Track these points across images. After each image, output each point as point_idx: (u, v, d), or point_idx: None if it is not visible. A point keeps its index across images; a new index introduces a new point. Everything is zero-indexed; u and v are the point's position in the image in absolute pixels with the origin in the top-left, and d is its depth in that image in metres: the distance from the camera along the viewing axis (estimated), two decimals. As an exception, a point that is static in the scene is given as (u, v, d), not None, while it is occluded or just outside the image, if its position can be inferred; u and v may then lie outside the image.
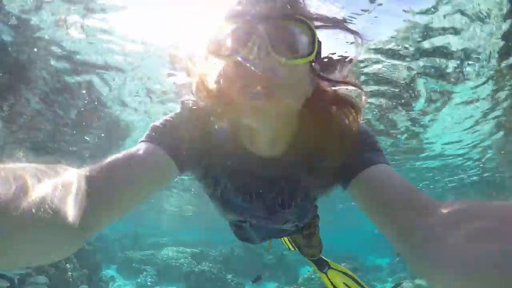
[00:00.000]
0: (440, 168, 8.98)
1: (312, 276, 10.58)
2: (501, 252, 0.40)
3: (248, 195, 1.07)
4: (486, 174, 9.62)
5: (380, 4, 2.84)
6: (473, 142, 6.70)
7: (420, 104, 4.93)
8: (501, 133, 6.14)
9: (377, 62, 3.85)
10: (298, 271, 13.03)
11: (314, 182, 0.95)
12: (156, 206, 17.34)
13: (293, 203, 1.09)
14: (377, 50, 3.64)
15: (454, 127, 5.86)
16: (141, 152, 0.80)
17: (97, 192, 0.64)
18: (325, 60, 0.82)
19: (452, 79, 4.14)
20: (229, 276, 11.22)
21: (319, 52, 0.74)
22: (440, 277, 0.50)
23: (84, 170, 0.68)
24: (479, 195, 11.64)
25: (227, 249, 13.55)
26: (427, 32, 3.26)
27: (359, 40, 0.78)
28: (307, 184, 1.01)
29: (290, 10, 0.67)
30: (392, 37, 3.42)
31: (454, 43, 3.40)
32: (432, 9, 2.97)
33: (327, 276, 2.40)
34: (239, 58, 0.68)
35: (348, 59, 0.84)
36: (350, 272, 2.40)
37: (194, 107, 0.90)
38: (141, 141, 0.85)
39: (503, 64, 3.79)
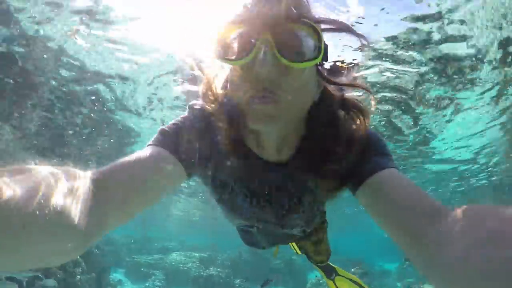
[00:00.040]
0: (448, 172, 8.90)
1: (320, 281, 10.49)
2: None
3: (255, 199, 1.06)
4: (494, 178, 9.50)
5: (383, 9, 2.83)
6: (481, 146, 6.66)
7: (427, 110, 4.90)
8: (509, 137, 6.09)
9: (383, 69, 3.82)
10: (307, 276, 12.92)
11: (322, 186, 0.94)
12: (164, 211, 17.42)
13: (300, 208, 1.07)
14: (381, 55, 3.62)
15: (462, 132, 5.81)
16: (148, 155, 0.80)
17: (104, 194, 0.65)
18: (332, 63, 0.81)
19: (460, 85, 4.11)
20: (237, 281, 11.18)
21: (325, 55, 0.73)
22: (452, 283, 0.49)
23: (92, 173, 0.68)
24: (487, 200, 11.46)
25: (235, 253, 13.52)
26: (433, 38, 3.24)
27: (365, 43, 0.77)
28: (315, 189, 1.00)
29: (295, 13, 0.66)
30: (393, 42, 3.41)
31: (461, 49, 3.38)
32: (436, 15, 2.96)
33: (335, 283, 2.37)
34: (246, 63, 0.68)
35: (355, 62, 0.84)
36: (358, 279, 2.37)
37: (202, 111, 0.90)
38: (149, 145, 0.85)
39: (508, 70, 3.77)
